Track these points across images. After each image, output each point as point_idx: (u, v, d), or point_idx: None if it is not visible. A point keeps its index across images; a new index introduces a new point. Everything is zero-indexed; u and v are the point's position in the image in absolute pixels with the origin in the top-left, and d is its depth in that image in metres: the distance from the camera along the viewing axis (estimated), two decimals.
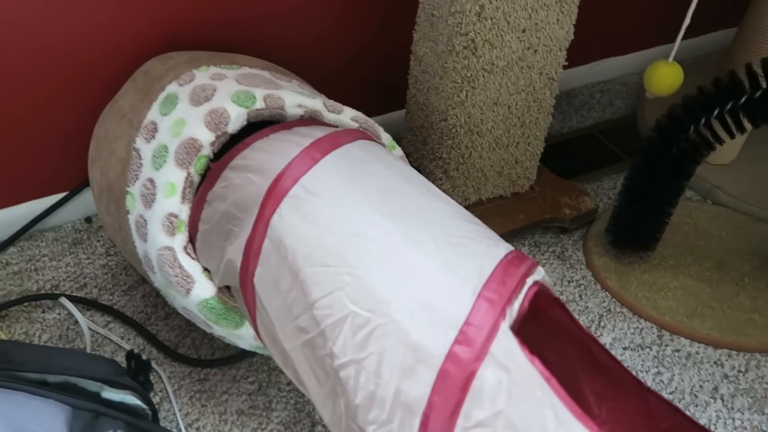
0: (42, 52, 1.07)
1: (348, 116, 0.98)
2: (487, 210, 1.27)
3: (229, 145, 0.90)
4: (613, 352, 1.10)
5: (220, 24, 1.17)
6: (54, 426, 0.73)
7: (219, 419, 0.99)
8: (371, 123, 1.00)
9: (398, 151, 1.03)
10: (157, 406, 0.99)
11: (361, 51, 1.37)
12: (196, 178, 0.89)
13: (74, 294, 1.14)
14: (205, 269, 0.88)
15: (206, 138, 0.87)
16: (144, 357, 0.88)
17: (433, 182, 1.24)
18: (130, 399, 0.80)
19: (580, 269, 1.26)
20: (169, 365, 1.06)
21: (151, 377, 1.03)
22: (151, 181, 0.89)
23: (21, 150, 1.17)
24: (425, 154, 1.24)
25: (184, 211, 0.88)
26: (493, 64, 1.04)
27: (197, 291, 0.87)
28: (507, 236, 1.26)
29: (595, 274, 1.24)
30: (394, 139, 1.35)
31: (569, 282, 1.23)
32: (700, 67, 1.78)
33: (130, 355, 0.88)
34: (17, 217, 1.22)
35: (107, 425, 0.76)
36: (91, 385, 0.79)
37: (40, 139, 1.17)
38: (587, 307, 1.19)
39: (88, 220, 1.29)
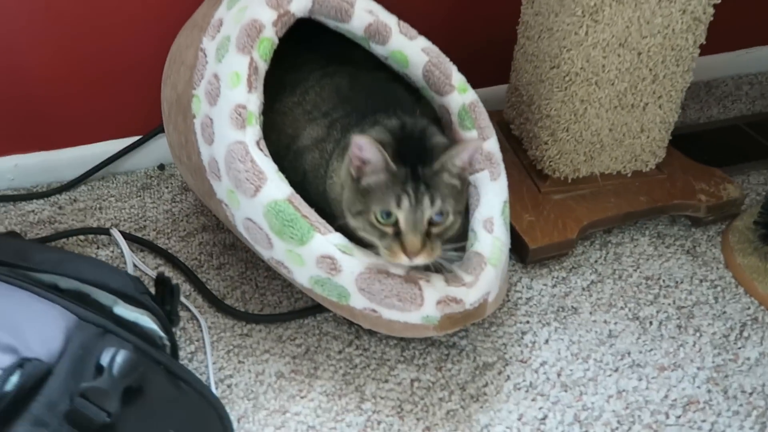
0: None
1: (419, 45, 0.86)
2: (601, 189, 1.06)
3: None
4: (759, 371, 0.85)
5: None
6: (51, 332, 0.61)
7: (255, 379, 0.84)
8: (443, 59, 0.87)
9: (470, 95, 0.88)
10: (190, 356, 0.87)
11: (464, 16, 1.23)
12: (262, 65, 0.78)
13: (132, 233, 1.06)
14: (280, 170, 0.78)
15: (267, 17, 0.77)
16: (175, 284, 0.76)
17: (536, 148, 1.06)
18: (146, 321, 0.68)
19: (717, 269, 1.00)
20: (212, 315, 0.93)
21: (190, 325, 0.92)
22: (215, 76, 0.79)
23: (100, 88, 1.13)
24: (530, 116, 1.05)
25: (252, 101, 0.77)
26: None
27: (268, 190, 0.76)
28: (623, 219, 1.04)
29: (737, 275, 0.98)
30: (498, 112, 1.18)
31: (701, 281, 0.98)
32: None
33: (160, 279, 0.76)
34: (91, 156, 1.18)
35: (113, 344, 0.64)
36: (105, 299, 0.68)
37: (120, 77, 1.12)
38: (725, 313, 0.93)
39: (161, 167, 1.23)
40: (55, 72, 1.09)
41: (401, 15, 1.02)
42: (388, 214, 0.72)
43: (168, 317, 0.73)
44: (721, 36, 1.38)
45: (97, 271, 0.68)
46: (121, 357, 0.61)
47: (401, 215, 0.72)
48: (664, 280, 0.98)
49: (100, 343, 0.63)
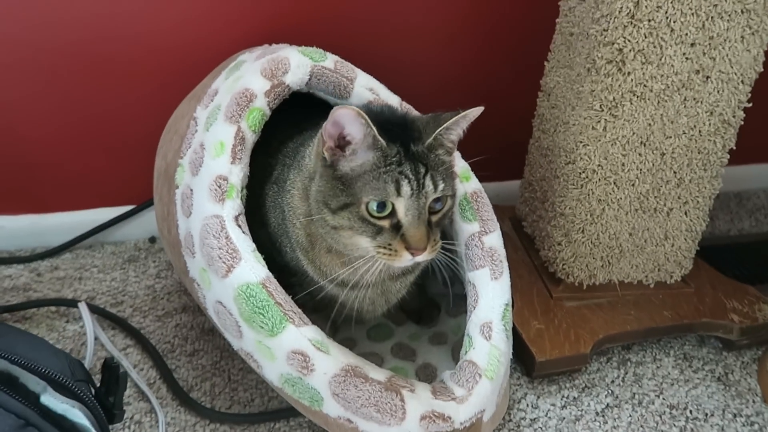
0: (136, 53, 1.01)
1: None
2: (620, 300, 0.96)
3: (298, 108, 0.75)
4: None
5: (328, 36, 1.06)
6: None
7: None
8: None
9: (473, 184, 0.81)
10: None
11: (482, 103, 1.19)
12: (249, 135, 0.73)
13: (106, 309, 0.98)
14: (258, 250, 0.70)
15: (260, 86, 0.73)
16: (122, 372, 0.67)
17: (549, 249, 0.97)
18: (76, 415, 0.58)
19: (753, 402, 0.87)
20: (173, 409, 0.83)
21: (147, 419, 0.81)
22: (201, 145, 0.74)
23: (95, 154, 1.09)
24: (543, 213, 0.98)
25: (235, 174, 0.71)
26: (645, 86, 0.79)
27: (241, 271, 0.68)
28: (644, 335, 0.93)
29: None
30: (510, 207, 1.12)
31: (735, 416, 0.85)
32: None
33: (107, 365, 0.67)
34: (80, 223, 1.13)
35: None
36: (34, 384, 0.59)
37: (117, 144, 1.09)
38: None
39: (153, 240, 1.17)
40: (50, 134, 1.06)
41: (417, 107, 0.97)
42: (383, 205, 0.61)
43: (109, 411, 0.64)
44: (753, 146, 1.31)
45: (31, 351, 0.60)
46: None
47: (401, 205, 0.61)
48: (691, 411, 0.86)
49: None
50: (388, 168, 0.61)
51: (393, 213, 0.62)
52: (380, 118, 0.66)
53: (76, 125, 1.06)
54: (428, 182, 0.61)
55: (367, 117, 0.60)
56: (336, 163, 0.64)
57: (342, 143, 0.64)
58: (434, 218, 0.64)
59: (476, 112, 0.65)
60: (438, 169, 0.63)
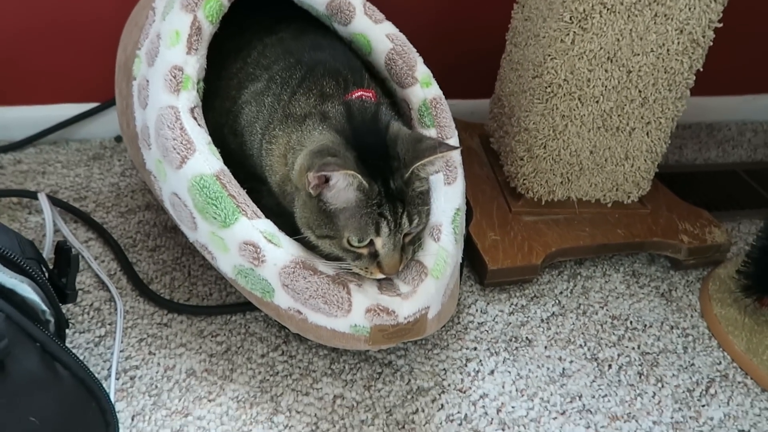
0: None
1: (384, 31, 0.80)
2: (576, 216, 0.98)
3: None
4: None
5: None
6: None
7: (162, 374, 0.76)
8: (409, 48, 0.81)
9: (433, 90, 0.80)
10: (98, 340, 0.79)
11: (455, 22, 1.16)
12: (206, 26, 0.72)
13: (69, 203, 0.99)
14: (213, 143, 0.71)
15: None
16: (75, 254, 0.68)
17: (512, 164, 0.98)
18: (26, 291, 0.59)
19: (691, 316, 0.92)
20: (132, 300, 0.85)
21: (107, 307, 0.84)
22: (158, 35, 0.73)
23: (62, 46, 1.05)
24: (509, 129, 0.98)
25: (190, 64, 0.71)
26: None
27: (195, 162, 0.69)
28: (596, 251, 0.96)
29: (711, 326, 0.90)
30: (480, 124, 1.11)
31: (672, 328, 0.90)
32: None
33: (59, 248, 0.68)
34: (45, 118, 1.11)
35: None
36: None
37: (84, 38, 1.05)
38: (692, 365, 0.84)
39: (119, 139, 1.16)
40: (14, 23, 1.02)
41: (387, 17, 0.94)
42: (362, 239, 0.66)
43: (62, 291, 0.65)
44: (727, 79, 1.31)
45: None
46: None
47: (379, 241, 0.66)
48: (631, 322, 0.90)
49: None
50: (369, 210, 0.64)
51: (371, 243, 0.66)
52: (351, 133, 0.66)
53: (39, 18, 1.02)
54: (404, 220, 0.65)
55: (355, 173, 0.61)
56: (320, 195, 0.65)
57: (324, 182, 0.64)
58: (408, 238, 0.68)
59: (448, 153, 0.68)
60: (414, 203, 0.66)
